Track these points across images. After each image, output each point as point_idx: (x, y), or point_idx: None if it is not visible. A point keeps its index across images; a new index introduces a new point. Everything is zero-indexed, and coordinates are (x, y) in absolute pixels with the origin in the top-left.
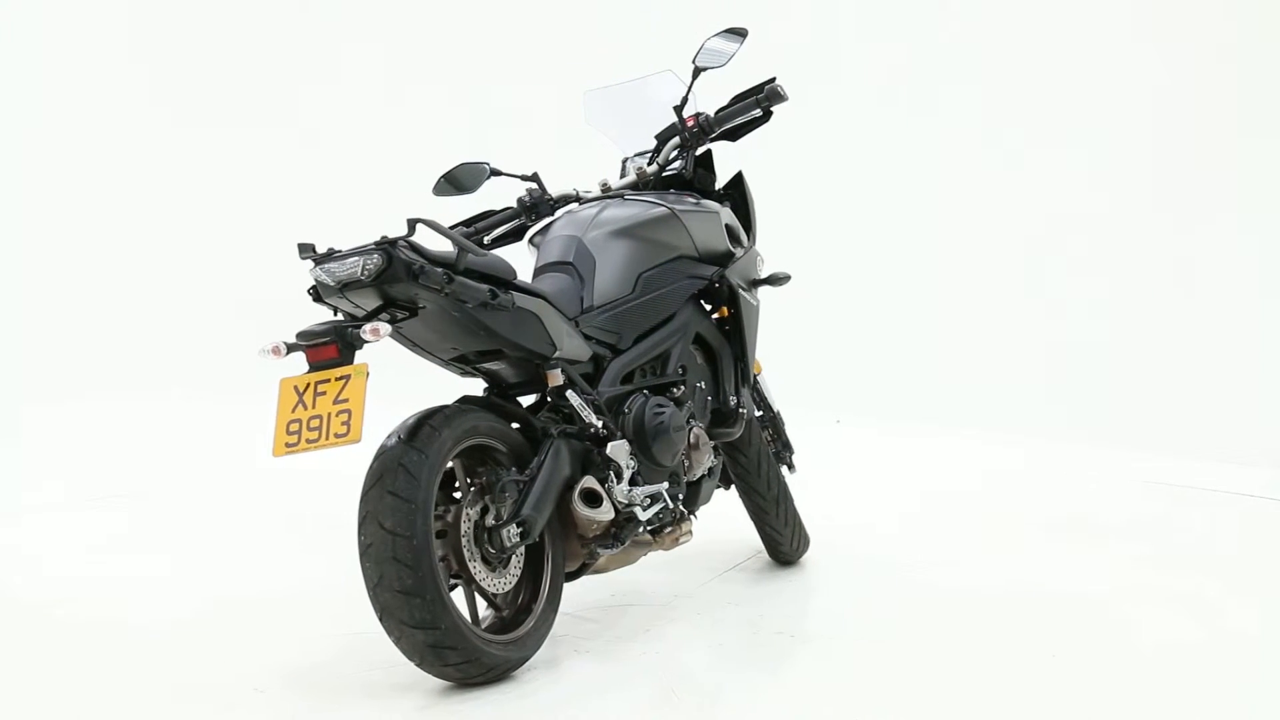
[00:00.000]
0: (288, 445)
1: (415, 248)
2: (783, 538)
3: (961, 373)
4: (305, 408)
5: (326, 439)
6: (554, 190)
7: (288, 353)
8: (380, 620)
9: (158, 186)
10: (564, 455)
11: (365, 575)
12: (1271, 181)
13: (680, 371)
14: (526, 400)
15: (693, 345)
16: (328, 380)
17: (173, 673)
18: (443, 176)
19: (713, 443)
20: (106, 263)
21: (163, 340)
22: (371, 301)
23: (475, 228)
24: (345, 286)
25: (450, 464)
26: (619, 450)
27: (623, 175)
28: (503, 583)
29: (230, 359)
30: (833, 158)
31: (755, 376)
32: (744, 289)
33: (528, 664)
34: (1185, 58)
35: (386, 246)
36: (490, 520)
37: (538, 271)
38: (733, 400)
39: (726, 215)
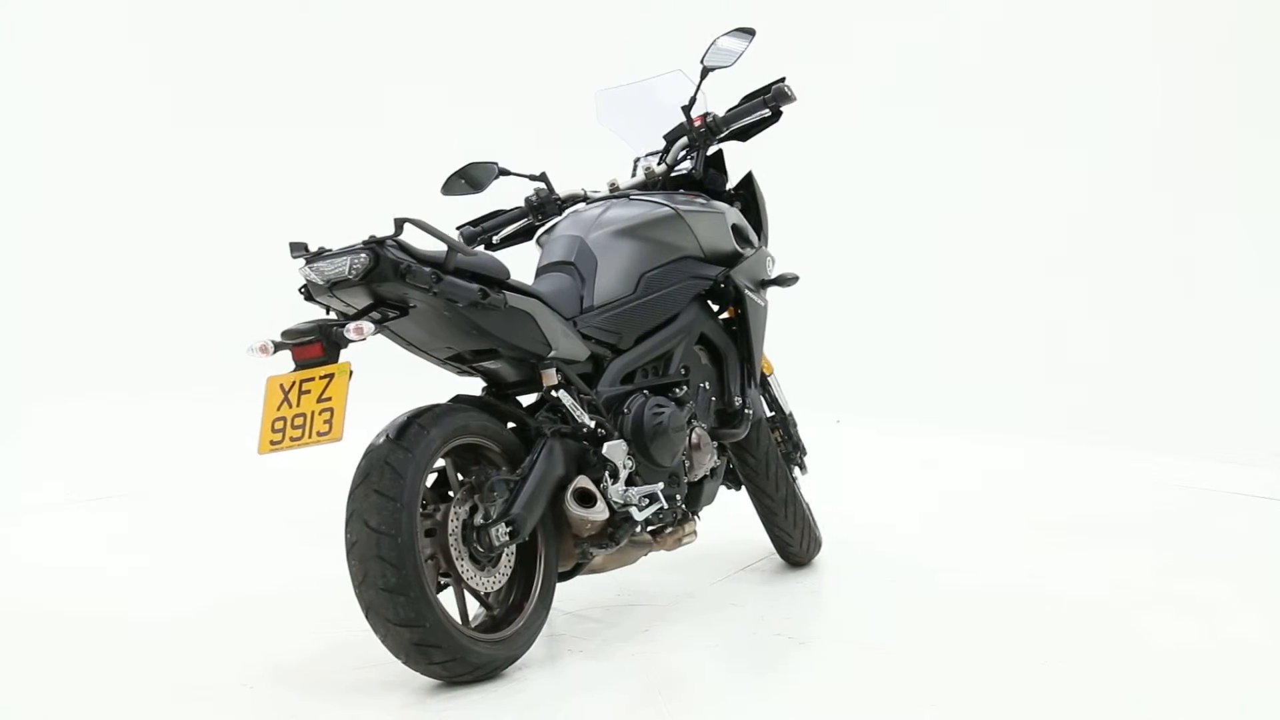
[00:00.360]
0: (272, 443)
1: (404, 247)
2: (792, 539)
3: (961, 373)
4: (290, 406)
5: (309, 437)
6: (562, 190)
7: (275, 351)
8: (366, 617)
9: (158, 186)
10: (558, 455)
11: (351, 573)
12: (1272, 181)
13: (683, 372)
14: (528, 400)
15: (698, 346)
16: (312, 379)
17: (166, 669)
18: (451, 176)
19: (716, 443)
20: (107, 262)
21: (163, 340)
22: (362, 300)
23: (482, 227)
24: (334, 285)
25: (443, 463)
26: (615, 450)
27: (634, 175)
28: (492, 581)
29: (230, 359)
30: (832, 158)
31: (766, 377)
32: (751, 289)
33: (519, 662)
34: (1185, 58)
35: (374, 246)
36: (479, 519)
37: (540, 271)
38: (738, 401)
39: (733, 215)
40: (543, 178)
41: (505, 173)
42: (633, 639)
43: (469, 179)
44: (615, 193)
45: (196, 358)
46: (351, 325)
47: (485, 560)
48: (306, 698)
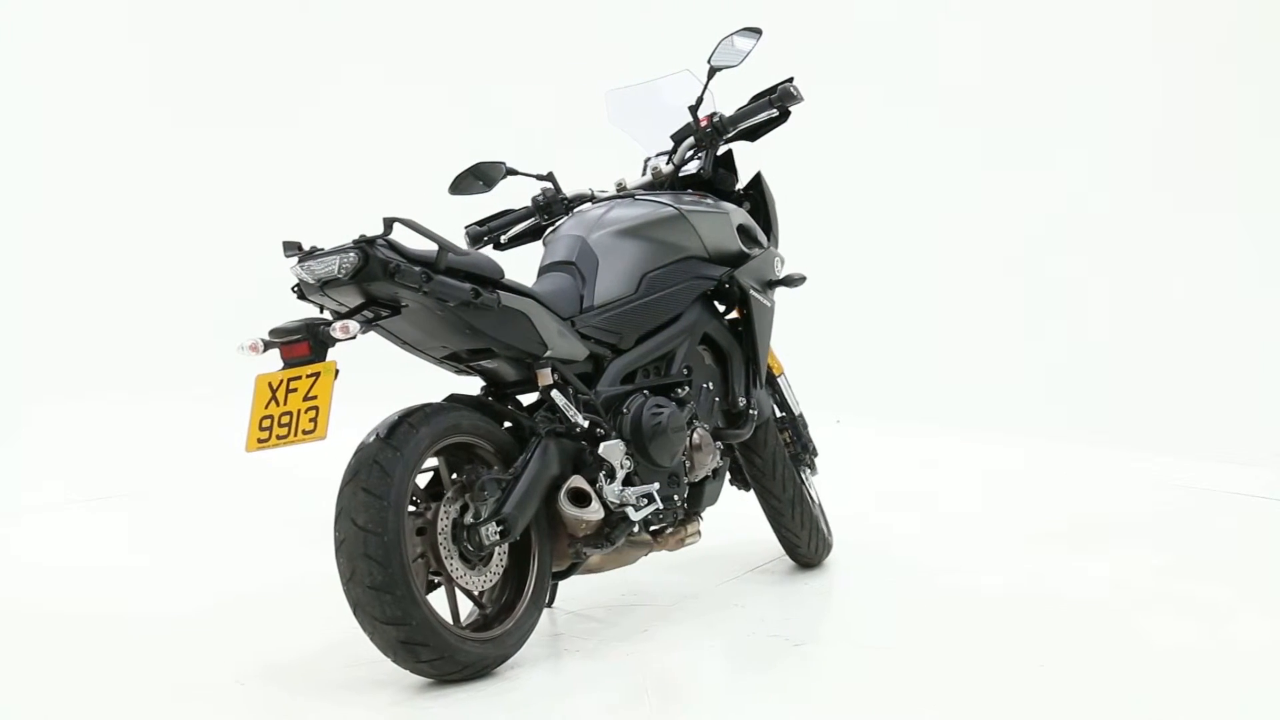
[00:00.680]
0: (259, 441)
1: (394, 246)
2: (800, 540)
3: (961, 373)
4: (278, 404)
5: (295, 435)
6: (569, 190)
7: (265, 350)
8: (354, 614)
9: (158, 186)
10: (552, 454)
11: (339, 570)
12: (1273, 181)
13: (685, 372)
14: (529, 399)
15: (702, 346)
16: (299, 377)
17: (162, 667)
18: (459, 175)
19: (719, 444)
20: (107, 262)
21: (162, 340)
22: (354, 299)
23: (488, 227)
24: (325, 284)
25: (435, 462)
26: (612, 450)
27: (644, 175)
28: (483, 581)
29: (229, 358)
30: (831, 157)
31: (775, 378)
32: (757, 290)
33: (513, 661)
34: (1185, 58)
35: (364, 245)
36: (469, 519)
37: (541, 271)
38: (742, 401)
39: (739, 215)
40: (550, 177)
41: (513, 172)
42: (631, 639)
43: (477, 178)
44: (621, 193)
45: (196, 357)
46: (337, 324)
47: (476, 559)
48: (297, 695)
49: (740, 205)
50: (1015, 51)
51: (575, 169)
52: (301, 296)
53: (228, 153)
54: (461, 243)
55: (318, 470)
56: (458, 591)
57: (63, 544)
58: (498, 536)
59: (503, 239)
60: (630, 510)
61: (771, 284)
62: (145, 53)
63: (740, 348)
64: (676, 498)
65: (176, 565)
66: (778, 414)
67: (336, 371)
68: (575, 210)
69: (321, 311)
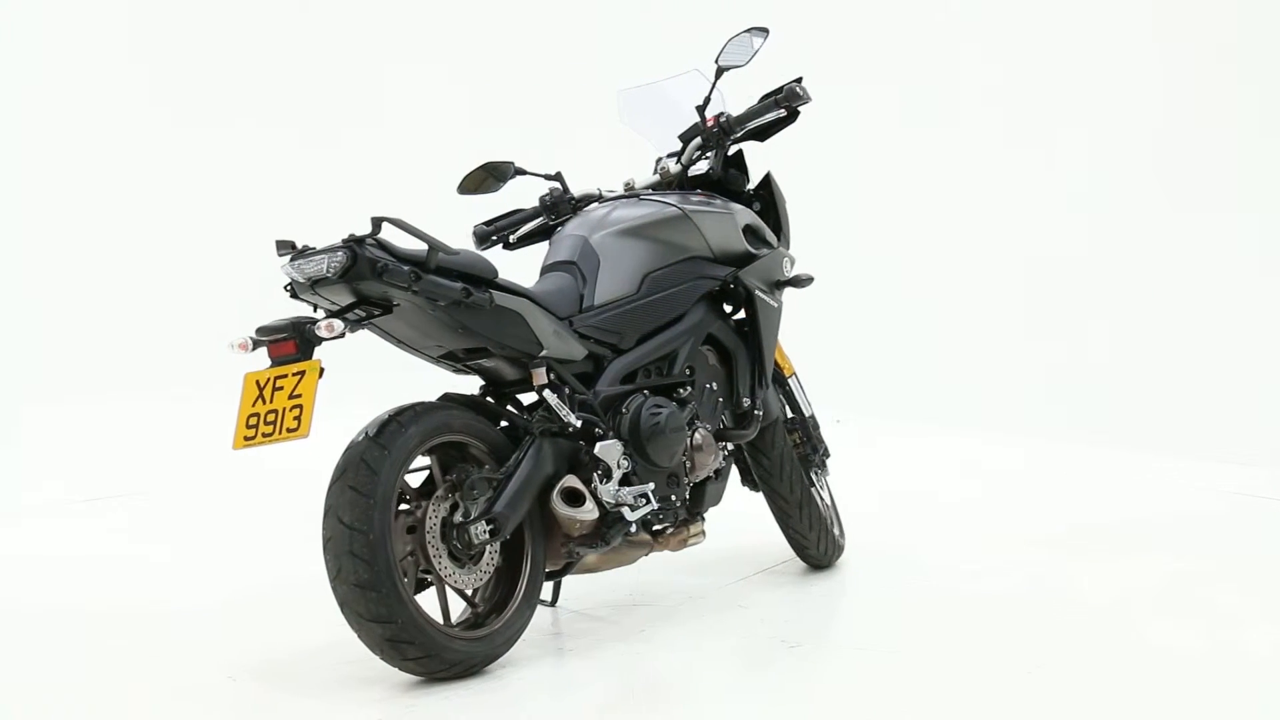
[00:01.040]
0: (246, 439)
1: (384, 245)
2: (808, 541)
3: (961, 373)
4: (264, 402)
5: (280, 434)
6: (577, 190)
7: (254, 348)
8: (341, 612)
9: (158, 186)
10: (546, 453)
11: (326, 567)
12: (1273, 180)
13: (687, 372)
14: (530, 399)
15: (706, 347)
16: (285, 375)
17: (155, 663)
18: (468, 175)
19: (722, 444)
20: (106, 262)
21: (162, 340)
22: (345, 298)
23: (495, 226)
24: (316, 283)
25: (428, 460)
26: (608, 449)
27: (655, 175)
28: (473, 579)
29: (225, 357)
30: (831, 157)
31: (786, 379)
32: (763, 290)
33: (506, 659)
34: (1185, 59)
35: (353, 244)
36: (458, 517)
37: (544, 270)
38: (746, 402)
39: (745, 216)
40: (558, 177)
41: (521, 172)
42: (628, 639)
43: (485, 178)
44: (628, 193)
45: (195, 357)
46: (323, 323)
47: (465, 558)
48: (286, 691)
49: (750, 205)
50: (1015, 51)
51: (585, 169)
52: (294, 295)
53: (226, 153)
54: (469, 243)
55: (318, 469)
56: (450, 590)
57: (61, 543)
58: (487, 535)
59: (511, 239)
60: (626, 510)
61: (779, 284)
62: (129, 50)
63: (746, 348)
64: (675, 498)
65: (175, 563)
66: (788, 415)
67: (321, 370)
68: (581, 210)
69: (315, 310)
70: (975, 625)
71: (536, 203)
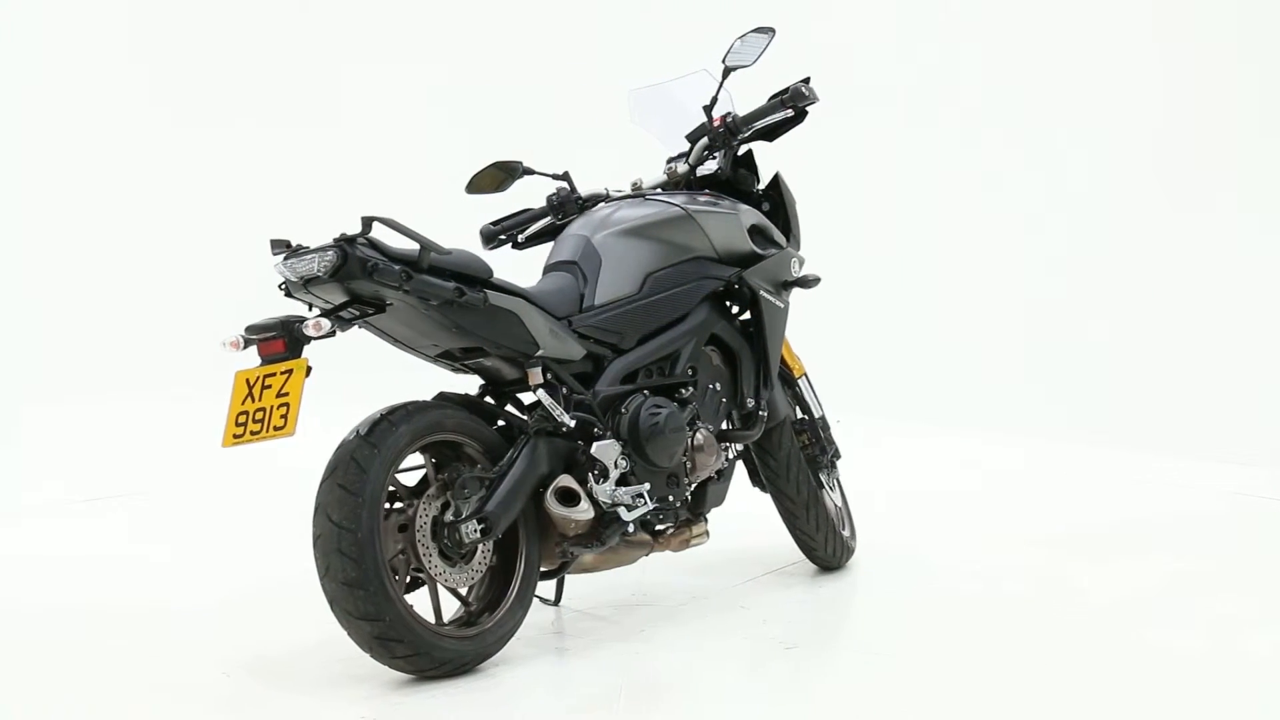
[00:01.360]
0: (235, 436)
1: (375, 245)
2: (816, 542)
3: (961, 373)
4: (253, 400)
5: (267, 431)
6: (585, 189)
7: (246, 346)
8: (330, 609)
9: (158, 186)
10: (541, 453)
11: (316, 565)
12: (1273, 180)
13: (690, 373)
14: (530, 398)
15: (710, 347)
16: (274, 374)
17: (150, 659)
18: (476, 174)
19: (724, 445)
20: (106, 262)
21: (162, 340)
22: (337, 297)
23: (502, 226)
24: (308, 282)
25: (421, 459)
26: (605, 449)
27: (664, 175)
28: (464, 578)
29: (230, 357)
30: (831, 157)
31: (795, 379)
32: (768, 291)
33: (499, 658)
34: (1185, 59)
35: (343, 244)
36: (449, 516)
37: (546, 269)
38: (750, 403)
39: (751, 216)
40: (565, 177)
41: (530, 172)
42: (626, 638)
43: (493, 177)
44: (633, 193)
45: (194, 357)
46: (311, 321)
47: (456, 556)
48: (277, 688)
49: (760, 206)
50: (1014, 52)
51: (595, 169)
52: (289, 294)
53: (226, 153)
54: (476, 242)
55: (318, 468)
56: (444, 589)
57: (61, 543)
58: (478, 535)
59: (520, 238)
60: (623, 510)
61: (786, 285)
62: (124, 48)
63: (750, 349)
64: (673, 498)
65: (174, 562)
66: (798, 415)
67: (309, 369)
68: (587, 210)
69: (310, 309)
70: (976, 627)
71: (544, 203)
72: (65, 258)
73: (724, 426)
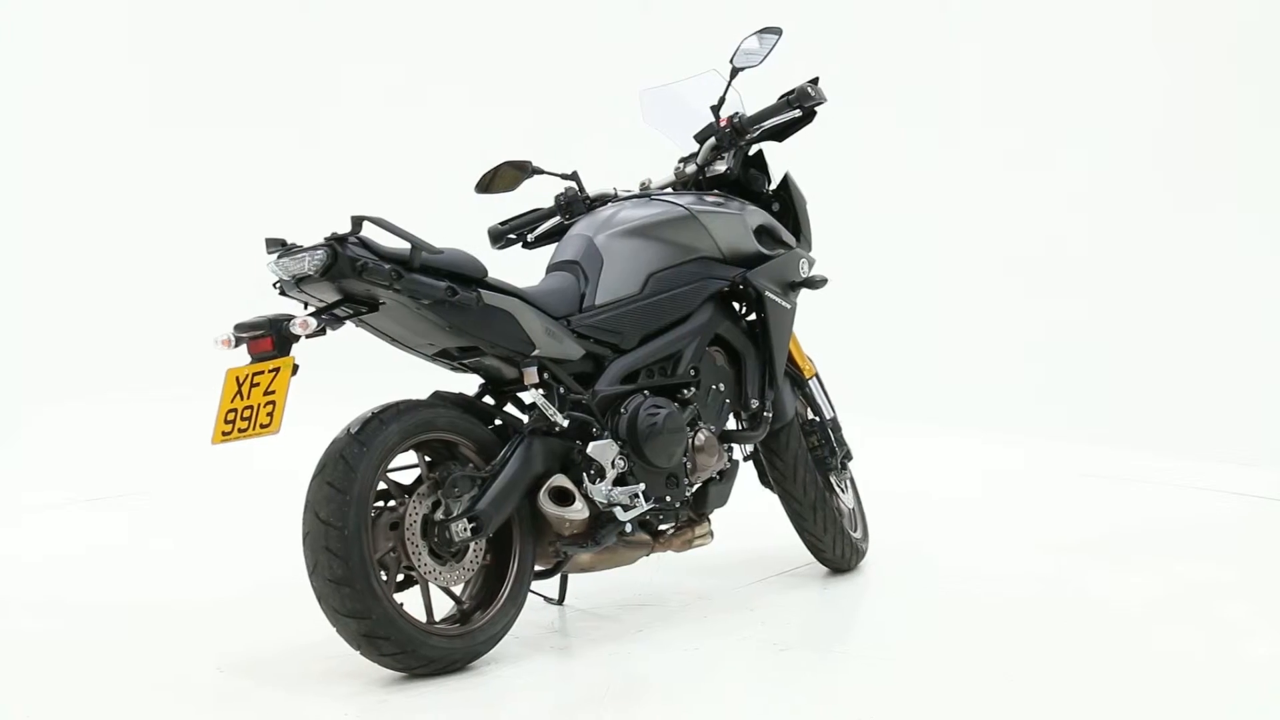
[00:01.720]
0: (224, 434)
1: (366, 244)
2: (823, 544)
3: (961, 373)
4: (242, 398)
5: (253, 429)
6: (593, 189)
7: (237, 344)
8: (319, 606)
9: (158, 186)
10: (536, 452)
11: (305, 562)
12: (1273, 180)
13: (692, 373)
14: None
15: (715, 347)
16: (262, 372)
17: (148, 656)
18: (485, 174)
19: (726, 445)
20: (106, 262)
21: (163, 340)
22: (330, 295)
23: (511, 225)
24: (300, 281)
25: (416, 458)
26: (601, 449)
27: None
28: (455, 576)
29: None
30: (830, 157)
31: (805, 380)
32: (774, 291)
33: (490, 656)
34: (1185, 59)
35: (333, 242)
36: (439, 515)
37: (549, 269)
38: (755, 403)
39: (758, 216)
40: (574, 176)
41: (538, 171)
42: (622, 638)
43: (503, 177)
44: (639, 193)
45: (196, 357)
46: (298, 320)
47: (447, 555)
48: (268, 684)
49: (770, 206)
50: (1014, 51)
51: (605, 169)
52: (283, 293)
53: (227, 153)
54: (484, 241)
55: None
56: (436, 587)
57: (61, 543)
58: (469, 534)
59: (529, 238)
60: (619, 510)
61: (794, 285)
62: (147, 52)
63: (755, 349)
64: (671, 498)
65: (174, 561)
66: (809, 417)
67: (295, 367)
68: (593, 210)
69: (306, 308)
70: (974, 629)
71: (552, 202)
72: (65, 258)
73: (729, 427)
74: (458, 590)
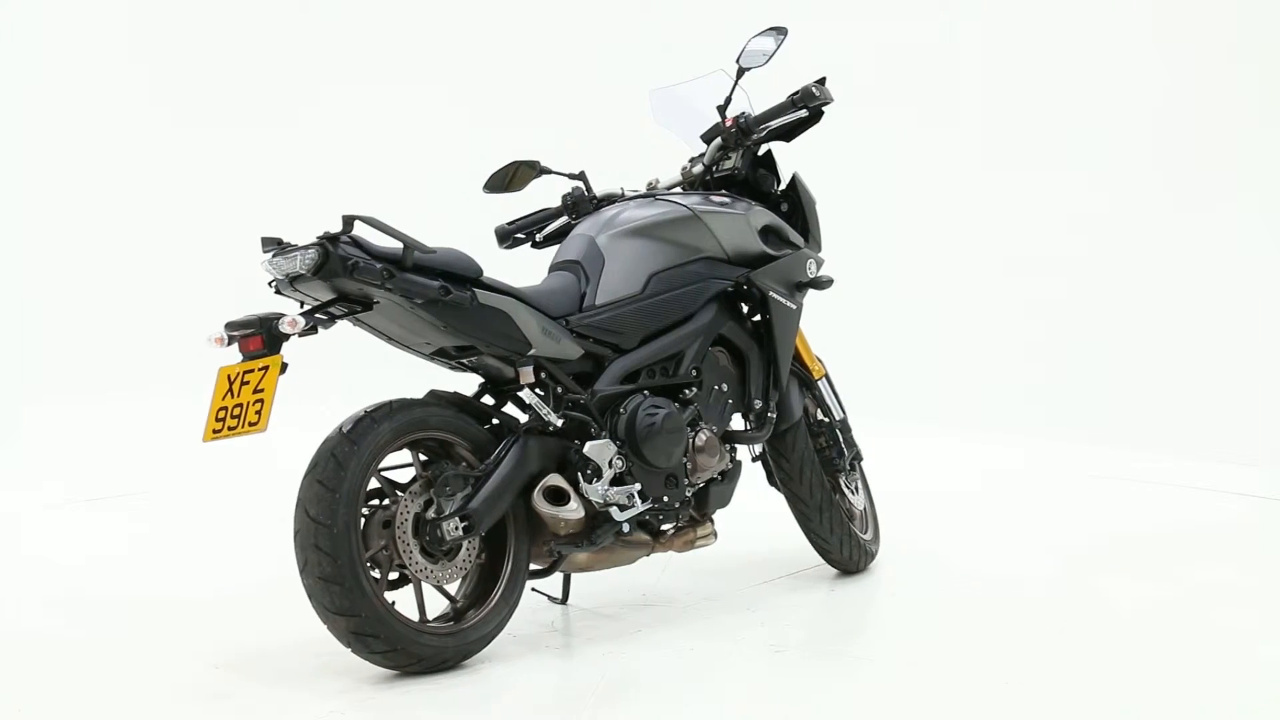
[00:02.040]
0: (214, 431)
1: (359, 243)
2: (830, 545)
3: (961, 373)
4: (233, 396)
5: (242, 427)
6: (600, 189)
7: (230, 343)
8: (310, 603)
9: (158, 186)
10: (531, 451)
11: (296, 559)
12: (1272, 180)
13: (694, 373)
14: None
15: (719, 348)
16: (252, 370)
17: (146, 652)
18: (494, 173)
19: (728, 446)
20: (107, 262)
21: (164, 340)
22: (324, 294)
23: (518, 224)
24: (293, 280)
25: (410, 456)
26: (598, 449)
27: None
28: (447, 575)
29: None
30: (831, 157)
31: (814, 381)
32: (779, 292)
33: (483, 654)
34: (1185, 59)
35: (325, 242)
36: (431, 513)
37: (551, 269)
38: (758, 404)
39: (763, 217)
40: (581, 176)
41: (547, 171)
42: (619, 638)
43: (511, 176)
44: (644, 193)
45: (196, 357)
46: (286, 319)
47: (439, 553)
48: (257, 680)
49: (779, 206)
50: (1014, 51)
51: (614, 168)
52: (279, 292)
53: (227, 153)
54: (491, 241)
55: None
56: (430, 585)
57: (61, 542)
58: (460, 532)
59: (538, 238)
60: (615, 510)
61: (800, 286)
62: (147, 52)
63: (760, 350)
64: (669, 499)
65: (173, 560)
66: (818, 418)
67: (284, 366)
68: (599, 210)
69: (302, 306)
70: (977, 631)
71: (560, 202)
72: (65, 258)
73: (732, 427)
74: (452, 589)
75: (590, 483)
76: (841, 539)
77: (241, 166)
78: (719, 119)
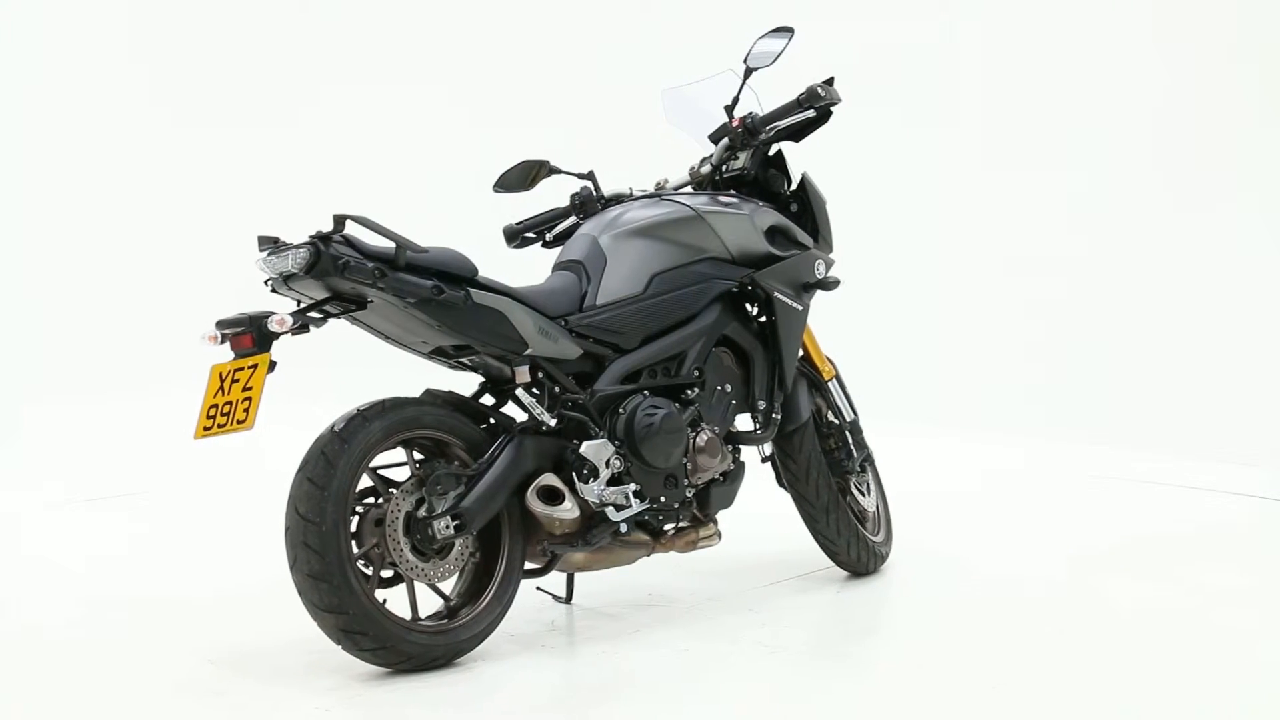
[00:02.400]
0: (205, 429)
1: (352, 242)
2: (837, 547)
3: (961, 373)
4: (223, 393)
5: (231, 425)
6: (609, 188)
7: (224, 341)
8: (300, 599)
9: (158, 186)
10: (526, 451)
11: (286, 556)
12: (1272, 180)
13: (696, 373)
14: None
15: (723, 348)
16: (242, 368)
17: (143, 650)
18: (504, 173)
19: (731, 447)
20: (107, 262)
21: (164, 340)
22: (318, 293)
23: (527, 224)
24: (286, 279)
25: (403, 455)
26: (595, 449)
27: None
28: (438, 573)
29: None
30: (831, 157)
31: (824, 382)
32: (785, 293)
33: (477, 652)
34: (1185, 59)
35: (317, 241)
36: (423, 511)
37: (554, 269)
38: (762, 404)
39: (769, 217)
40: (590, 176)
41: (555, 171)
42: (617, 637)
43: (521, 176)
44: (649, 193)
45: (197, 357)
46: (275, 317)
47: (430, 552)
48: (249, 676)
49: (789, 206)
50: (1014, 51)
51: (626, 168)
52: (274, 290)
53: (227, 153)
54: (498, 240)
55: None
56: (422, 583)
57: (61, 542)
58: (451, 531)
59: (547, 237)
60: (611, 510)
61: (807, 287)
62: (147, 52)
63: (765, 351)
64: (668, 499)
65: (173, 559)
66: (828, 419)
67: (273, 364)
68: (603, 210)
69: (298, 305)
70: (977, 632)
71: (569, 201)
72: (65, 257)
73: (739, 428)
74: (446, 587)
75: (586, 482)
76: (849, 540)
77: (241, 166)
78: (726, 119)
